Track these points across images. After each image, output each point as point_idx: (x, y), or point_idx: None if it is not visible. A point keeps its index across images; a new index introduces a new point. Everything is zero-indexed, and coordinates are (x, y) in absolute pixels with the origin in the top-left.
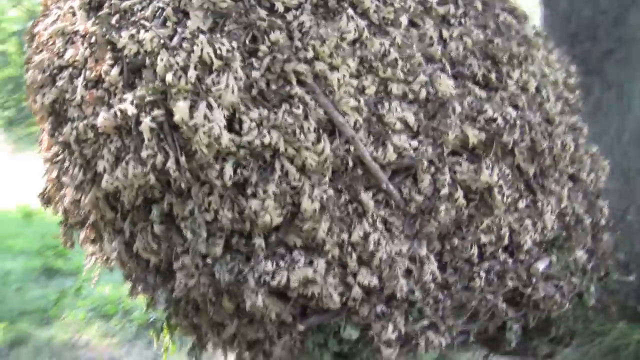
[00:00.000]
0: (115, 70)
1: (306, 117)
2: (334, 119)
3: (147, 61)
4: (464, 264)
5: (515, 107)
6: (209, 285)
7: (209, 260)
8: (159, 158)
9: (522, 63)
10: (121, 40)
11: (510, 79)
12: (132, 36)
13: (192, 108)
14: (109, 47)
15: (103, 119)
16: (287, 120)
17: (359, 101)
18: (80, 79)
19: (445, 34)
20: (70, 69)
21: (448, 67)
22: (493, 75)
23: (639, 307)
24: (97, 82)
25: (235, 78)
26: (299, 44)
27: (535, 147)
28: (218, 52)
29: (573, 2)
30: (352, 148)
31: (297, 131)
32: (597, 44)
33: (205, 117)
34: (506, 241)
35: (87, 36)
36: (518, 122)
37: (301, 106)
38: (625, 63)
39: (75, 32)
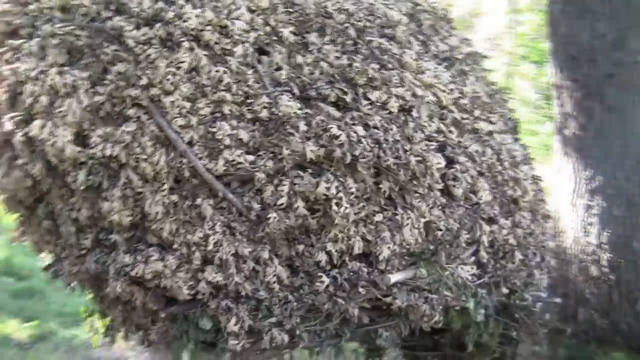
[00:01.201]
0: (4, 96)
1: (141, 134)
2: (168, 135)
3: (20, 89)
4: (315, 269)
5: (366, 125)
6: (87, 273)
7: (82, 252)
8: (30, 165)
9: (385, 85)
10: (4, 71)
11: (367, 100)
12: (12, 69)
13: (44, 126)
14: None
15: None
16: (125, 136)
17: (190, 120)
18: None
19: (300, 60)
20: None
21: (296, 90)
22: (348, 97)
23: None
24: None
25: (81, 102)
26: (139, 72)
27: (380, 162)
28: (66, 81)
29: (572, 26)
30: (185, 160)
31: (135, 145)
32: (596, 68)
33: (51, 133)
34: (358, 250)
35: None
36: (365, 140)
37: (136, 124)
38: (626, 87)
39: None
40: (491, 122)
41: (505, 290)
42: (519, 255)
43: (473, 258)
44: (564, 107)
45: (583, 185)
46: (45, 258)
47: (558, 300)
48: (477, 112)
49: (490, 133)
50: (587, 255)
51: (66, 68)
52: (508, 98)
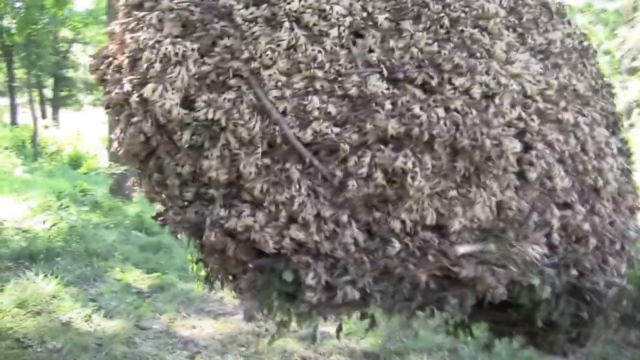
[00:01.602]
0: (126, 60)
1: (241, 102)
2: (264, 104)
3: (139, 55)
4: (390, 235)
5: (447, 108)
6: (188, 223)
7: (185, 203)
8: (143, 123)
9: (470, 72)
10: (128, 39)
11: (450, 85)
12: (134, 37)
13: (155, 90)
14: (125, 44)
15: (112, 95)
16: (226, 103)
17: (285, 93)
18: (112, 65)
19: (392, 44)
20: (109, 58)
21: (385, 72)
22: (434, 81)
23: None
24: (120, 67)
25: (189, 70)
26: (243, 47)
27: (456, 143)
28: (178, 51)
29: None
30: (278, 128)
31: (234, 111)
32: None
33: (161, 95)
34: (431, 222)
35: (115, 35)
36: (444, 121)
37: (236, 93)
38: None
39: (114, 32)
40: (582, 114)
41: (574, 273)
42: (593, 241)
43: (545, 239)
44: None
45: None
46: (157, 208)
47: (629, 287)
48: (562, 104)
49: (576, 124)
50: None
51: (179, 39)
52: (615, 93)
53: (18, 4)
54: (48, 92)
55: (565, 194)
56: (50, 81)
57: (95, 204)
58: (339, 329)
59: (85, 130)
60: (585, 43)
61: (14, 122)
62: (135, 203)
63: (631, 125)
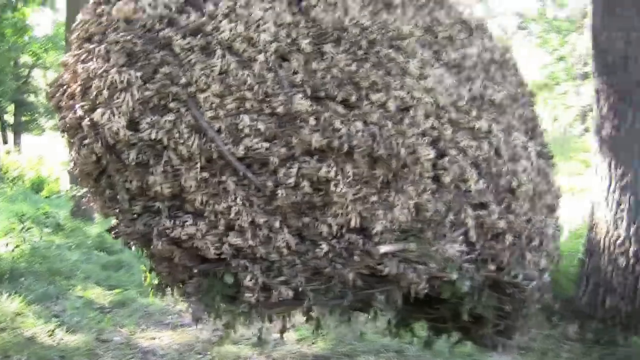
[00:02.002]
0: (78, 88)
1: (180, 122)
2: (201, 124)
3: (89, 83)
4: (318, 238)
5: (365, 122)
6: (138, 234)
7: (134, 216)
8: (94, 145)
9: (386, 88)
10: (79, 69)
11: (367, 100)
12: (84, 67)
13: (104, 114)
14: (77, 73)
15: (67, 119)
16: (167, 124)
17: (219, 113)
18: (66, 93)
19: (314, 66)
20: (64, 87)
21: (308, 91)
22: (353, 97)
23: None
24: (73, 94)
25: (134, 95)
26: (180, 73)
27: (373, 153)
28: (123, 79)
29: (609, 36)
30: (214, 145)
31: (175, 131)
32: (629, 75)
33: (109, 119)
34: (355, 225)
35: (69, 65)
36: (362, 133)
37: (176, 115)
38: None
39: (68, 63)
40: (497, 122)
41: (492, 267)
42: (509, 238)
43: (463, 237)
44: (601, 110)
45: (615, 182)
46: (112, 223)
47: (548, 279)
48: (474, 113)
49: (490, 131)
50: (616, 248)
51: (124, 68)
52: (535, 101)
53: None
54: (9, 118)
55: (480, 194)
56: (11, 107)
57: (57, 226)
58: (282, 330)
59: (47, 155)
60: (507, 55)
61: None
62: (96, 224)
63: (586, 130)
